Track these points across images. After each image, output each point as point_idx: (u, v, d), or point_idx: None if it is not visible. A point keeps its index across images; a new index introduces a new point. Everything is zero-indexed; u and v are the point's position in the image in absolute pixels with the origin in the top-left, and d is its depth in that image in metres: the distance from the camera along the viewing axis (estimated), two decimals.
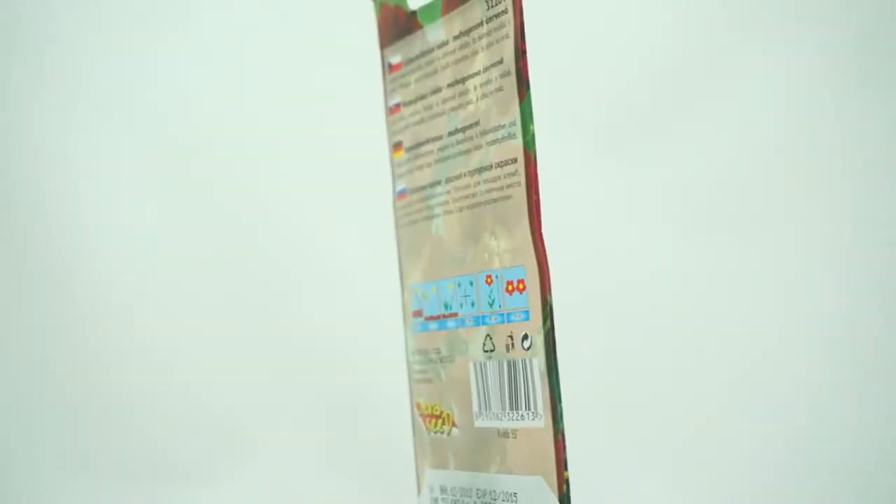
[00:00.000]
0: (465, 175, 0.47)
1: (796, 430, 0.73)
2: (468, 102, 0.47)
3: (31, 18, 0.81)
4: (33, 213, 0.80)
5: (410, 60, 0.51)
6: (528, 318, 0.44)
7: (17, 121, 0.81)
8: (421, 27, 0.50)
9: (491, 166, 0.45)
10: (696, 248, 0.78)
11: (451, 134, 0.48)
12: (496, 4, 0.45)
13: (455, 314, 0.48)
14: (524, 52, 0.44)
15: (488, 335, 0.46)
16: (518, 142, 0.44)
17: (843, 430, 0.72)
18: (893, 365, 0.74)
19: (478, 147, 0.46)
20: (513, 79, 0.44)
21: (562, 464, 0.43)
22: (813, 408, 0.73)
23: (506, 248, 0.45)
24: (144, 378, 0.80)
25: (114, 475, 0.78)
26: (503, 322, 0.45)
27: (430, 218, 0.49)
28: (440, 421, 0.50)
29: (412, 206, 0.51)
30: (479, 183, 0.46)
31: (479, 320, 0.47)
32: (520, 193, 0.44)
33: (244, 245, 0.81)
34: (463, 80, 0.47)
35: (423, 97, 0.50)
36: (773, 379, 0.75)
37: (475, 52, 0.46)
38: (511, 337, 0.45)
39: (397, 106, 0.52)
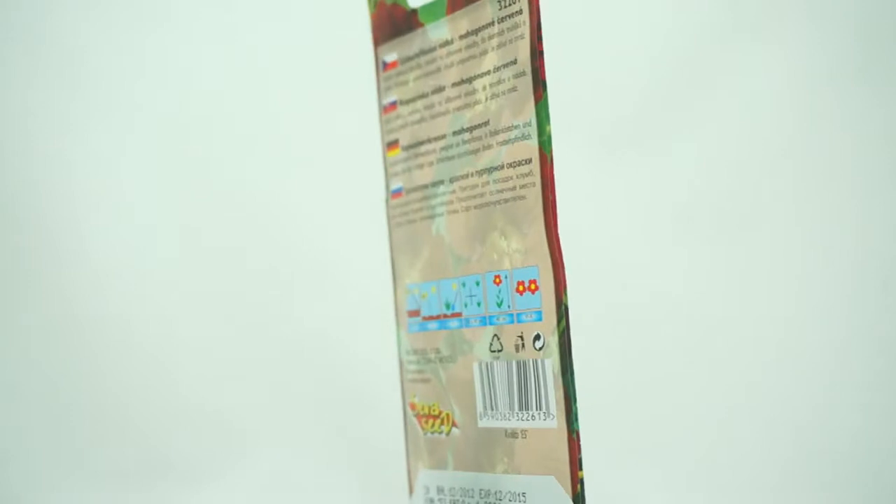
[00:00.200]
0: (472, 175, 0.47)
1: (811, 431, 0.74)
2: (476, 102, 0.47)
3: (28, 17, 0.81)
4: (28, 212, 0.80)
5: (409, 58, 0.50)
6: (540, 319, 0.44)
7: (14, 121, 0.80)
8: (422, 25, 0.49)
9: (502, 166, 0.45)
10: (707, 247, 0.78)
11: (456, 133, 0.48)
12: (509, 5, 0.45)
13: (458, 314, 0.48)
14: (541, 52, 0.44)
15: (495, 335, 0.46)
16: (533, 142, 0.44)
17: (857, 431, 0.73)
18: None
19: (487, 147, 0.46)
20: (528, 79, 0.44)
21: (576, 464, 0.43)
22: (830, 410, 0.74)
23: (517, 249, 0.45)
24: (139, 378, 0.79)
25: (111, 475, 0.77)
26: (512, 322, 0.45)
27: (430, 217, 0.49)
28: (438, 421, 0.49)
29: (409, 205, 0.50)
30: (488, 183, 0.46)
31: (486, 320, 0.47)
32: (534, 194, 0.44)
33: (243, 245, 0.81)
34: (470, 80, 0.47)
35: (423, 96, 0.50)
36: (788, 380, 0.75)
37: (484, 52, 0.46)
38: (521, 337, 0.45)
39: (393, 104, 0.52)
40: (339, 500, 0.74)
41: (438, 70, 0.49)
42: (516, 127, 0.45)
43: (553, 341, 0.44)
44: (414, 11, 0.50)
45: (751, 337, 0.76)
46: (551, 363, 0.44)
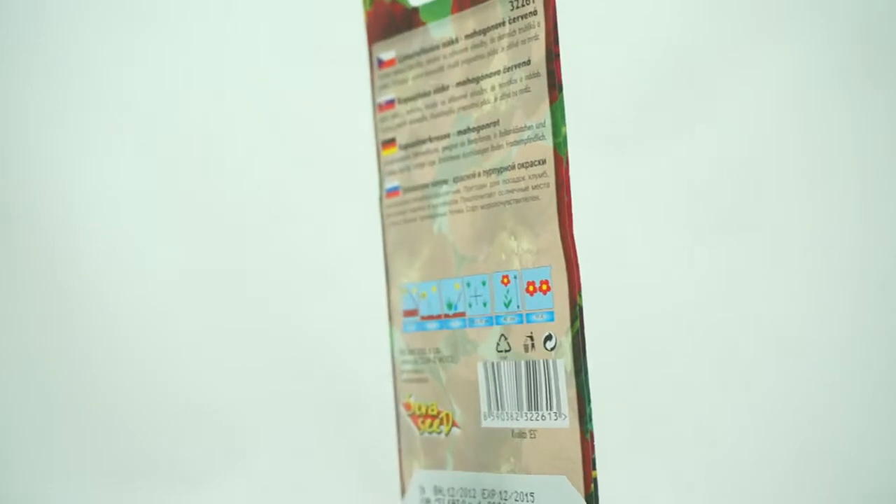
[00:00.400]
0: (479, 174, 0.47)
1: (825, 431, 0.74)
2: (484, 102, 0.47)
3: (22, 15, 0.80)
4: (24, 211, 0.79)
5: (408, 57, 0.50)
6: (552, 319, 0.44)
7: (9, 120, 0.79)
8: (423, 24, 0.49)
9: (513, 166, 0.45)
10: (712, 247, 0.79)
11: (461, 133, 0.48)
12: (523, 5, 0.45)
13: (462, 314, 0.48)
14: (557, 54, 0.44)
15: (503, 335, 0.46)
16: (547, 143, 0.44)
17: (867, 431, 0.73)
18: None
19: (497, 147, 0.46)
20: (542, 80, 0.44)
21: (590, 463, 0.43)
22: (844, 410, 0.75)
23: (527, 249, 0.45)
24: (136, 379, 0.79)
25: (109, 476, 0.77)
26: (521, 322, 0.45)
27: (432, 217, 0.49)
28: (437, 421, 0.49)
29: (408, 204, 0.50)
30: (497, 183, 0.46)
31: (492, 320, 0.47)
32: (548, 194, 0.44)
33: (238, 245, 0.81)
34: (477, 80, 0.47)
35: (424, 94, 0.49)
36: (804, 381, 0.76)
37: (493, 52, 0.46)
38: (531, 337, 0.45)
39: (390, 102, 0.51)
40: (336, 499, 0.74)
41: (441, 69, 0.49)
42: (529, 127, 0.45)
43: (566, 342, 0.44)
44: (415, 10, 0.50)
45: (768, 337, 0.77)
46: (563, 363, 0.44)
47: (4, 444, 0.78)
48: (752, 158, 0.80)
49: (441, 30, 0.49)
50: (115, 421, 0.78)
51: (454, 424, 0.48)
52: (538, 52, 0.44)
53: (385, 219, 0.52)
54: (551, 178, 0.44)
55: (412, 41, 0.50)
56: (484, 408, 0.47)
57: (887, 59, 0.78)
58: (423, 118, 0.49)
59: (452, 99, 0.48)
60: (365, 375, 0.75)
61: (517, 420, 0.46)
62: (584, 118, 0.75)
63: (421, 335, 0.50)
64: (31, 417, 0.79)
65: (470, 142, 0.47)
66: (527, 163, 0.45)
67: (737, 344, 0.77)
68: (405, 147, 0.50)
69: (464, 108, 0.48)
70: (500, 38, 0.46)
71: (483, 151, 0.47)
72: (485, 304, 0.47)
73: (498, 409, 0.46)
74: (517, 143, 0.45)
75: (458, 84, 0.48)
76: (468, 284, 0.48)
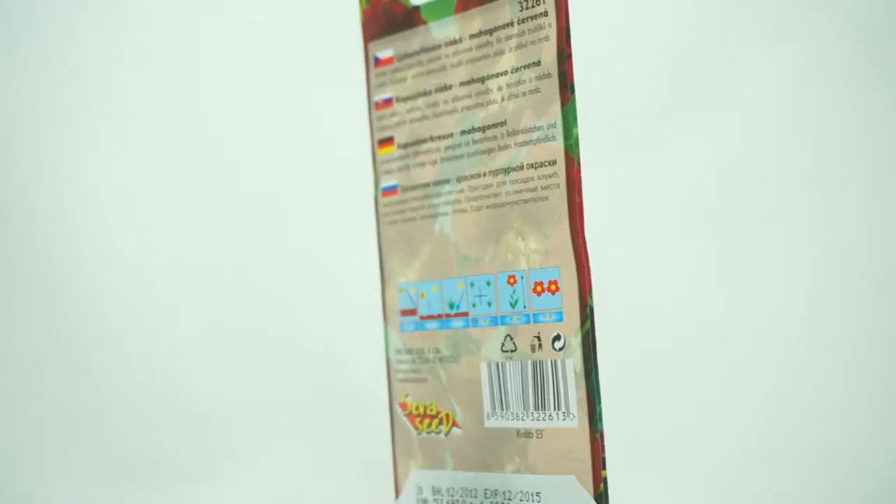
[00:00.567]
0: (485, 174, 0.47)
1: (836, 431, 0.75)
2: (490, 102, 0.47)
3: (18, 16, 0.78)
4: (21, 212, 0.78)
5: (407, 55, 0.50)
6: (560, 319, 0.45)
7: (7, 120, 0.78)
8: (424, 23, 0.49)
9: (522, 167, 0.45)
10: (723, 247, 0.79)
11: (465, 132, 0.48)
12: (532, 6, 0.45)
13: (465, 314, 0.48)
14: (570, 55, 0.44)
15: (508, 335, 0.46)
16: (558, 144, 0.44)
17: (879, 430, 0.74)
18: None
19: (504, 147, 0.46)
20: (553, 81, 0.44)
21: (600, 463, 0.44)
22: (857, 410, 0.75)
23: (535, 249, 0.45)
24: (134, 379, 0.78)
25: (109, 476, 0.76)
26: (528, 322, 0.46)
27: (433, 216, 0.49)
28: (436, 421, 0.49)
29: (407, 203, 0.50)
30: (504, 183, 0.46)
31: (497, 320, 0.47)
32: (558, 195, 0.44)
33: (241, 245, 0.81)
34: (483, 79, 0.47)
35: (425, 94, 0.49)
36: (815, 382, 0.76)
37: (500, 52, 0.46)
38: (538, 337, 0.45)
39: (388, 101, 0.51)
40: (334, 499, 0.73)
41: (444, 68, 0.48)
42: (539, 128, 0.45)
43: (576, 342, 0.44)
44: (416, 9, 0.50)
45: (782, 338, 0.77)
46: (573, 363, 0.44)
47: (4, 445, 0.78)
48: (764, 159, 0.80)
49: (443, 29, 0.48)
50: (114, 421, 0.77)
51: (454, 424, 0.48)
52: (549, 52, 0.45)
53: (381, 218, 0.52)
54: (562, 179, 0.44)
55: (412, 40, 0.50)
56: (487, 408, 0.47)
57: (889, 59, 0.78)
58: (424, 117, 0.49)
59: (456, 98, 0.48)
60: (363, 375, 0.75)
61: (523, 420, 0.46)
62: (595, 119, 0.75)
63: (420, 335, 0.50)
64: (31, 418, 0.79)
65: (475, 141, 0.47)
66: (536, 163, 0.45)
67: (747, 344, 0.78)
68: (404, 146, 0.50)
69: (468, 108, 0.48)
70: (508, 38, 0.46)
71: (489, 151, 0.47)
72: (489, 304, 0.47)
73: (502, 409, 0.47)
74: (526, 143, 0.45)
75: (462, 84, 0.48)
76: (472, 284, 0.48)
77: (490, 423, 0.47)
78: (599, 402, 0.44)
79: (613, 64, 0.81)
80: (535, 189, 0.45)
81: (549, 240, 0.45)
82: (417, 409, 0.50)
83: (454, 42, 0.48)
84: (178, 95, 0.81)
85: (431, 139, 0.49)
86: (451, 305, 0.48)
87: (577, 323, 0.44)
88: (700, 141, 0.80)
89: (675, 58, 0.81)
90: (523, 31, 0.45)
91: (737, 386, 0.76)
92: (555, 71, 0.44)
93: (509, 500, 0.46)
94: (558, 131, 0.44)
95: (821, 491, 0.71)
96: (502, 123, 0.46)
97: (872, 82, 0.79)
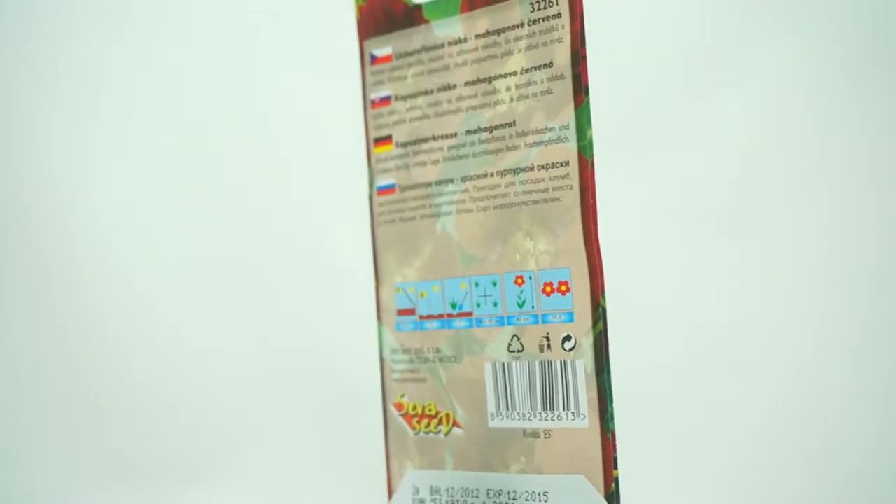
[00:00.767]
0: (492, 174, 0.47)
1: (845, 431, 0.75)
2: (498, 102, 0.47)
3: (17, 16, 0.78)
4: (19, 212, 0.76)
5: (406, 54, 0.50)
6: (570, 320, 0.45)
7: (5, 120, 0.78)
8: (426, 22, 0.49)
9: (532, 167, 0.46)
10: (736, 248, 0.79)
11: (471, 132, 0.48)
12: (545, 7, 0.45)
13: (468, 313, 0.48)
14: (584, 56, 0.44)
15: (515, 335, 0.46)
16: (571, 145, 0.44)
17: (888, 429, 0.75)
18: None
19: (513, 147, 0.46)
20: (567, 83, 0.45)
21: (611, 463, 0.44)
22: (864, 410, 0.75)
23: (545, 250, 0.45)
24: (131, 379, 0.77)
25: (109, 476, 0.75)
26: (537, 323, 0.46)
27: (435, 216, 0.49)
28: (436, 421, 0.49)
29: (406, 202, 0.50)
30: (513, 183, 0.46)
31: (504, 320, 0.47)
32: (570, 196, 0.45)
33: (241, 245, 0.80)
34: (490, 80, 0.47)
35: (427, 92, 0.49)
36: (825, 382, 0.77)
37: (508, 53, 0.46)
38: (547, 338, 0.45)
39: (386, 99, 0.51)
40: (333, 499, 0.72)
41: (447, 68, 0.48)
42: (551, 129, 0.45)
43: (587, 342, 0.44)
44: (417, 7, 0.49)
45: (795, 338, 0.77)
46: (583, 364, 0.44)
47: (4, 445, 0.77)
48: (782, 160, 0.79)
49: (447, 28, 0.48)
50: (112, 421, 0.76)
51: (455, 424, 0.48)
52: (562, 54, 0.45)
53: (376, 217, 0.51)
54: (574, 181, 0.44)
55: (412, 38, 0.50)
56: (491, 408, 0.47)
57: (891, 59, 0.79)
58: (425, 116, 0.49)
59: (460, 98, 0.48)
60: (360, 375, 0.74)
61: (530, 420, 0.46)
62: (608, 121, 0.75)
63: (419, 335, 0.49)
64: (30, 417, 0.78)
65: (481, 141, 0.47)
66: (547, 164, 0.45)
67: (762, 345, 0.78)
68: (403, 145, 0.50)
69: (474, 108, 0.47)
70: (518, 39, 0.46)
71: (496, 151, 0.47)
72: (495, 305, 0.47)
73: (508, 409, 0.47)
74: (537, 144, 0.45)
75: (468, 83, 0.48)
76: (476, 284, 0.47)
77: (494, 423, 0.47)
78: (611, 402, 0.44)
79: (626, 66, 0.81)
80: (545, 190, 0.45)
81: (560, 241, 0.45)
82: (415, 409, 0.50)
83: (458, 41, 0.48)
84: (174, 94, 0.81)
85: (433, 138, 0.49)
86: (454, 305, 0.48)
87: (589, 323, 0.44)
88: (716, 142, 0.80)
89: (675, 58, 0.81)
90: (534, 33, 0.46)
91: (750, 386, 0.77)
92: (568, 72, 0.45)
93: (514, 499, 0.46)
94: (571, 133, 0.44)
95: (833, 491, 0.72)
96: (511, 124, 0.46)
97: (881, 82, 0.80)
